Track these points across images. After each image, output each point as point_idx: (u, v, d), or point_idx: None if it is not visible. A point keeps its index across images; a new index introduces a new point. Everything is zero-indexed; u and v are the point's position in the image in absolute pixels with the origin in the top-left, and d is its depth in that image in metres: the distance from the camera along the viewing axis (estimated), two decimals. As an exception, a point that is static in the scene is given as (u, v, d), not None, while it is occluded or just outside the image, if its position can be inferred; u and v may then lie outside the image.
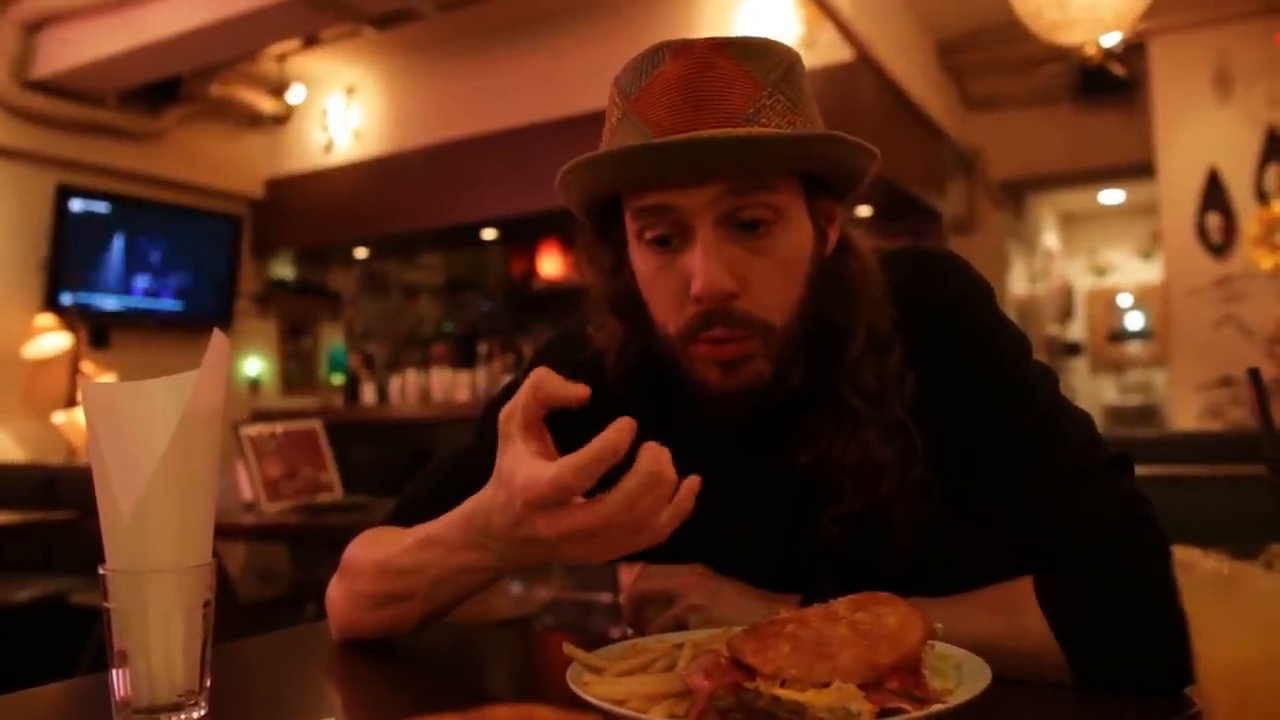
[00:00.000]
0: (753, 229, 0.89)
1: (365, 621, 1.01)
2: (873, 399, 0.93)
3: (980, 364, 0.95)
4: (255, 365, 6.73)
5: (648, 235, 0.91)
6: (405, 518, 1.07)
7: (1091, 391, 9.92)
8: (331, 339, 7.37)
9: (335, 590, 1.04)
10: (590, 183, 0.94)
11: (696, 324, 0.90)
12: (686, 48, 0.89)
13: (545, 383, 0.79)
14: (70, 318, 5.40)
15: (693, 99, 0.87)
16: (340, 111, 6.49)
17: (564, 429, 1.06)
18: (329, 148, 6.53)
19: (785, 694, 0.65)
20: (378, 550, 1.00)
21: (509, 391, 1.12)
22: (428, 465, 1.15)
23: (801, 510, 0.97)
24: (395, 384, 6.38)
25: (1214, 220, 5.35)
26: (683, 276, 0.89)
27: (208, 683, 0.75)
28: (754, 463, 1.00)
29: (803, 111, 0.91)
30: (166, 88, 5.75)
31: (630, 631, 1.05)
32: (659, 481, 0.74)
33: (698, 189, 0.87)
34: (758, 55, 0.89)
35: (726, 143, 0.85)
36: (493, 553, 0.86)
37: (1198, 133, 5.42)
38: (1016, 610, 0.86)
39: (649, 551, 1.06)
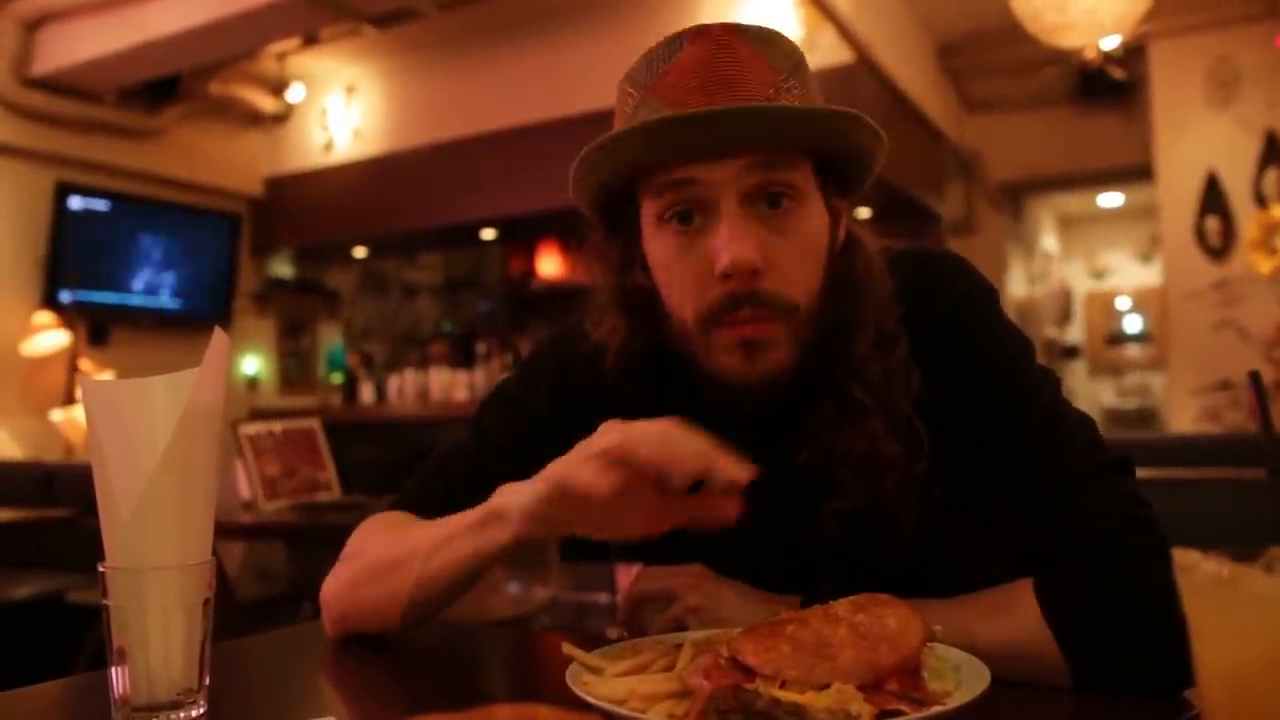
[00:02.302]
0: (776, 204, 0.89)
1: (358, 600, 1.01)
2: (879, 393, 0.93)
3: (984, 366, 0.95)
4: (253, 364, 6.72)
5: (669, 213, 0.91)
6: (405, 509, 1.08)
7: (1090, 394, 9.92)
8: (330, 338, 7.36)
9: (332, 578, 1.05)
10: (612, 164, 0.93)
11: (720, 304, 0.89)
12: (704, 31, 0.90)
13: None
14: (69, 315, 5.39)
15: (714, 79, 0.87)
16: (340, 110, 6.49)
17: (559, 423, 1.06)
18: (328, 147, 6.53)
19: (785, 695, 0.65)
20: (387, 529, 1.05)
21: (504, 391, 1.13)
22: (426, 461, 1.15)
23: (804, 508, 0.97)
24: (393, 383, 6.38)
25: (1213, 224, 5.36)
26: (706, 257, 0.89)
27: (207, 681, 0.75)
28: (756, 460, 1.00)
29: (817, 99, 0.93)
30: (166, 86, 5.75)
31: (626, 633, 1.05)
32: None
33: (722, 163, 0.87)
34: (772, 43, 0.91)
35: (753, 112, 0.86)
36: (503, 523, 0.88)
37: (1197, 136, 5.42)
38: (1016, 612, 0.86)
39: (649, 551, 1.07)
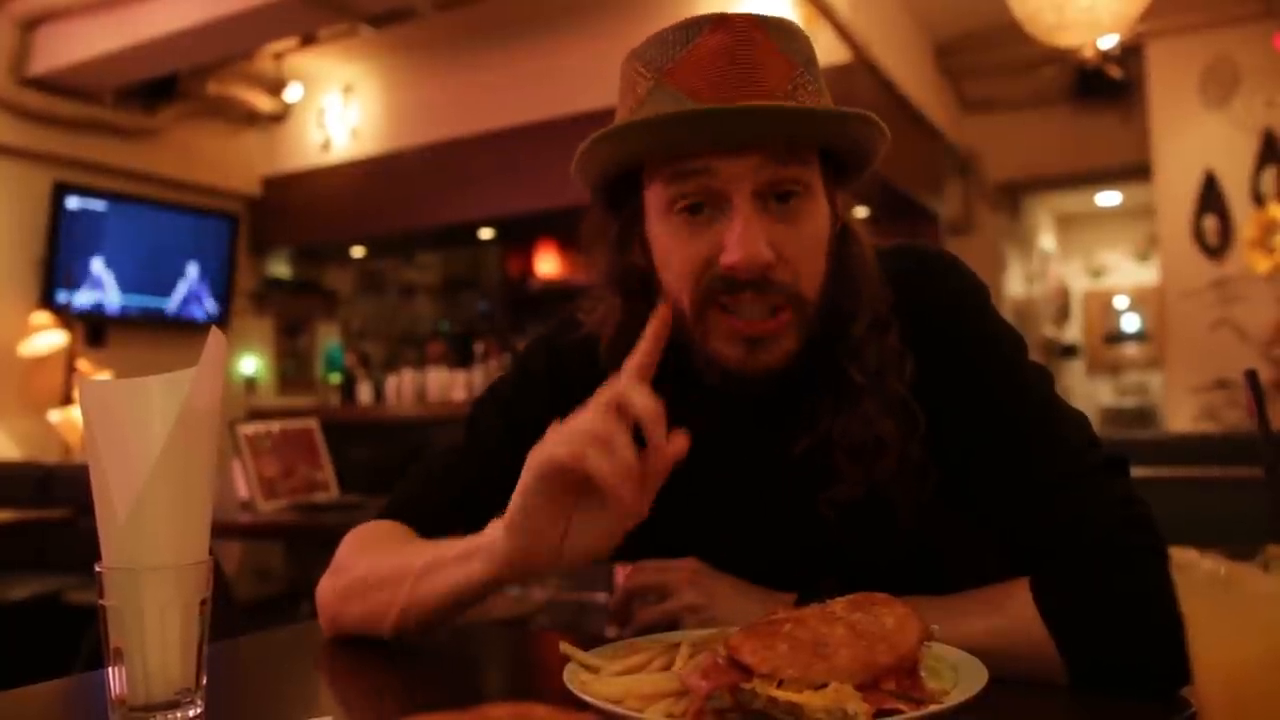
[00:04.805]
0: (786, 200, 0.90)
1: (348, 612, 1.00)
2: (874, 375, 0.94)
3: (977, 364, 0.95)
4: (251, 364, 6.71)
5: (680, 203, 0.91)
6: (396, 517, 1.08)
7: (1088, 393, 9.93)
8: (328, 338, 7.36)
9: (325, 583, 1.05)
10: (626, 148, 0.93)
11: (720, 285, 0.89)
12: (726, 21, 0.90)
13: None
14: (66, 315, 5.39)
15: (736, 70, 0.88)
16: (337, 110, 6.48)
17: (554, 413, 1.06)
18: (326, 146, 6.52)
19: (782, 694, 0.65)
20: (377, 543, 1.03)
21: (497, 391, 1.12)
22: (417, 464, 1.14)
23: (801, 498, 0.97)
24: (391, 383, 6.37)
25: (1210, 223, 5.37)
26: (711, 245, 0.89)
27: (204, 681, 0.75)
28: (751, 448, 1.00)
29: (826, 94, 0.94)
30: (163, 85, 5.74)
31: (618, 626, 1.05)
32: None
33: (739, 157, 0.88)
34: (789, 36, 0.92)
35: (777, 112, 0.87)
36: (485, 555, 0.86)
37: (1194, 135, 5.43)
38: (1013, 611, 0.86)
39: (646, 537, 1.07)
